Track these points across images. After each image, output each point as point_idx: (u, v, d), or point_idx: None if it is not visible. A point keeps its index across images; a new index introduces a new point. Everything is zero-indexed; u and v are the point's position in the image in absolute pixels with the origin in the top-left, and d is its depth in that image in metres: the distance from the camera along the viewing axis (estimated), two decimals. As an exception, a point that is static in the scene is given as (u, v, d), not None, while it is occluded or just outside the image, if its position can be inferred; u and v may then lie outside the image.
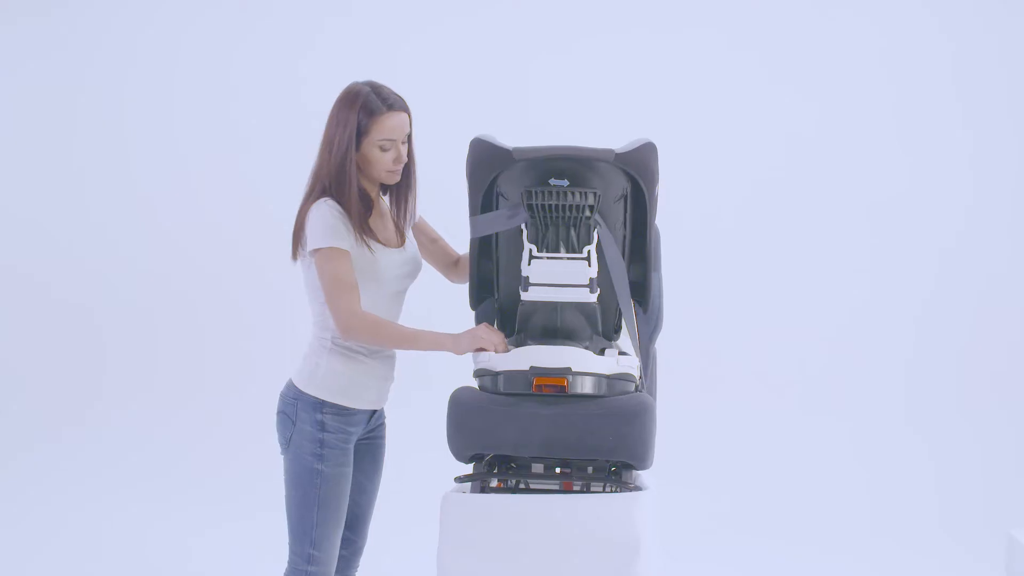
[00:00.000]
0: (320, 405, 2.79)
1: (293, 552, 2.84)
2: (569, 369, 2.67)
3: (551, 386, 2.68)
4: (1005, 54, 5.59)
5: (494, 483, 2.84)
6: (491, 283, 2.86)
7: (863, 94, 5.65)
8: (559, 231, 2.70)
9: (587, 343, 2.79)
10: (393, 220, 2.90)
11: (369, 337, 2.74)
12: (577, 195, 2.67)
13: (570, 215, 2.68)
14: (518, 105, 5.61)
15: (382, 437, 3.01)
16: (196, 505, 5.16)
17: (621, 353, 2.81)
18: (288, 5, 5.85)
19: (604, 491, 2.79)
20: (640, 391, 2.85)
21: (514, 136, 5.46)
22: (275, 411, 2.89)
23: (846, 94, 5.67)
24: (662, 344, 3.10)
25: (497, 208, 2.75)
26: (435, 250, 3.08)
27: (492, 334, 2.74)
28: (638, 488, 2.76)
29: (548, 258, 2.71)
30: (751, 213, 5.63)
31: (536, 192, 2.65)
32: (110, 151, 5.93)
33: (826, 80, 5.68)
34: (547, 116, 5.49)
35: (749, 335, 5.59)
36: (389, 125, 2.73)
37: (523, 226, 2.69)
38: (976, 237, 5.60)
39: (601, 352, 2.79)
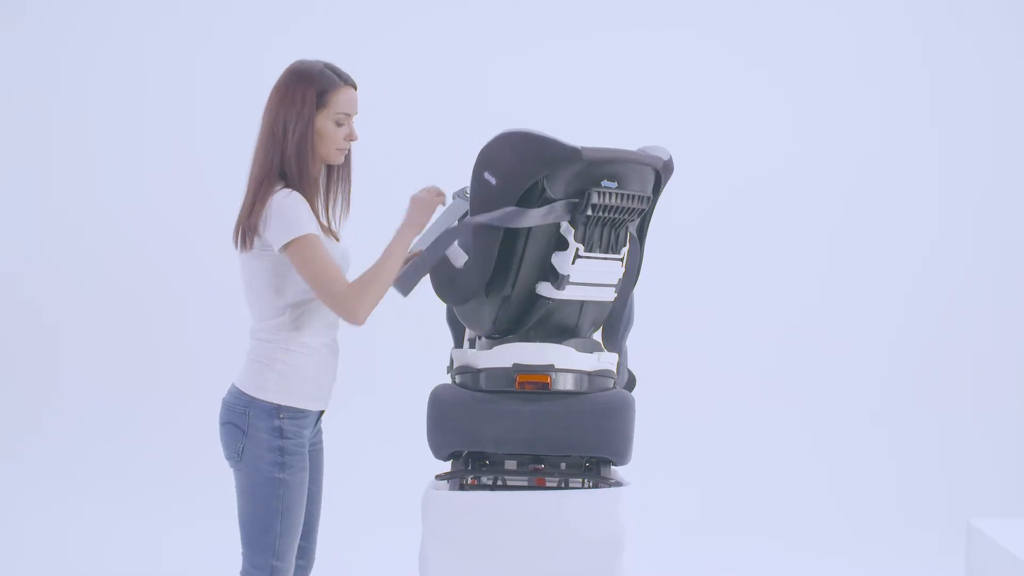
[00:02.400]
0: (276, 411, 2.61)
1: (253, 565, 2.66)
2: (552, 366, 2.69)
3: (534, 383, 2.70)
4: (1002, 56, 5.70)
5: (467, 480, 2.83)
6: (505, 277, 2.74)
7: (841, 90, 5.70)
8: (603, 232, 2.71)
9: (584, 340, 2.82)
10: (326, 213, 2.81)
11: (367, 297, 2.58)
12: (635, 199, 2.68)
13: (619, 218, 2.69)
14: (478, 103, 5.59)
15: (322, 440, 2.83)
16: (162, 506, 5.13)
17: (601, 350, 2.84)
18: (248, 6, 5.83)
19: (584, 487, 2.80)
20: (615, 386, 2.88)
21: (479, 132, 5.51)
22: (219, 422, 2.68)
23: (823, 88, 5.71)
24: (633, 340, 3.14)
25: (538, 203, 2.65)
26: None
27: (431, 191, 2.70)
28: (619, 484, 2.78)
29: (592, 258, 2.70)
30: (725, 211, 5.65)
31: (598, 193, 2.62)
32: (75, 148, 5.83)
33: (801, 74, 5.72)
34: (510, 113, 5.48)
35: (717, 330, 5.61)
36: (346, 99, 2.65)
37: (567, 224, 2.66)
38: (945, 239, 5.66)
39: (588, 349, 2.81)
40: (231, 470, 2.68)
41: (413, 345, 5.08)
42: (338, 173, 2.76)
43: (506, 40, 5.73)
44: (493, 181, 2.64)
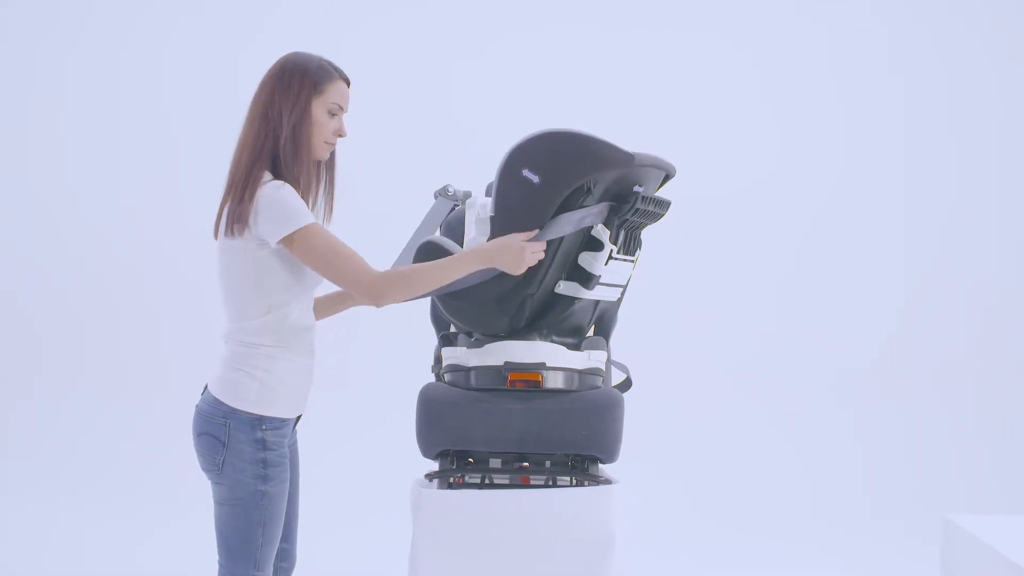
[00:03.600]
0: (259, 422, 2.51)
1: (231, 575, 2.58)
2: (543, 364, 2.71)
3: (525, 381, 2.71)
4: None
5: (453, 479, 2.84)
6: (533, 277, 2.72)
7: (825, 93, 5.75)
8: (629, 235, 2.75)
9: (575, 339, 2.85)
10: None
11: (404, 292, 2.51)
12: (663, 204, 2.73)
13: (646, 221, 2.74)
14: (448, 103, 5.63)
15: (297, 440, 2.73)
16: (137, 506, 5.13)
17: (592, 348, 2.86)
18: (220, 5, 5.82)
19: (573, 485, 2.82)
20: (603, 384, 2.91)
21: (447, 132, 5.53)
22: (193, 431, 2.57)
23: (806, 90, 5.76)
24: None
25: (580, 204, 2.66)
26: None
27: (533, 249, 2.61)
28: (608, 481, 2.80)
29: (619, 260, 2.74)
30: (707, 212, 5.67)
31: (643, 198, 2.65)
32: (43, 146, 5.80)
33: (784, 75, 5.77)
34: (489, 114, 5.54)
35: (696, 329, 5.64)
36: (341, 91, 2.61)
37: (602, 225, 2.68)
38: (920, 233, 5.72)
39: (578, 347, 2.83)
40: (208, 481, 2.58)
41: (386, 342, 5.10)
42: (321, 174, 2.68)
43: (482, 39, 5.74)
44: (536, 179, 2.61)
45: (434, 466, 2.99)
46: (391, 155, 5.53)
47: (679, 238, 5.61)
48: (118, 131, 5.73)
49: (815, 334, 5.66)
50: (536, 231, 2.63)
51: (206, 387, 2.58)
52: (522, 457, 2.85)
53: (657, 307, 5.48)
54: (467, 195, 3.16)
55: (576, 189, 2.63)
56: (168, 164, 5.69)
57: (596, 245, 2.70)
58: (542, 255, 2.63)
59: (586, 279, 2.72)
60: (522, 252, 2.60)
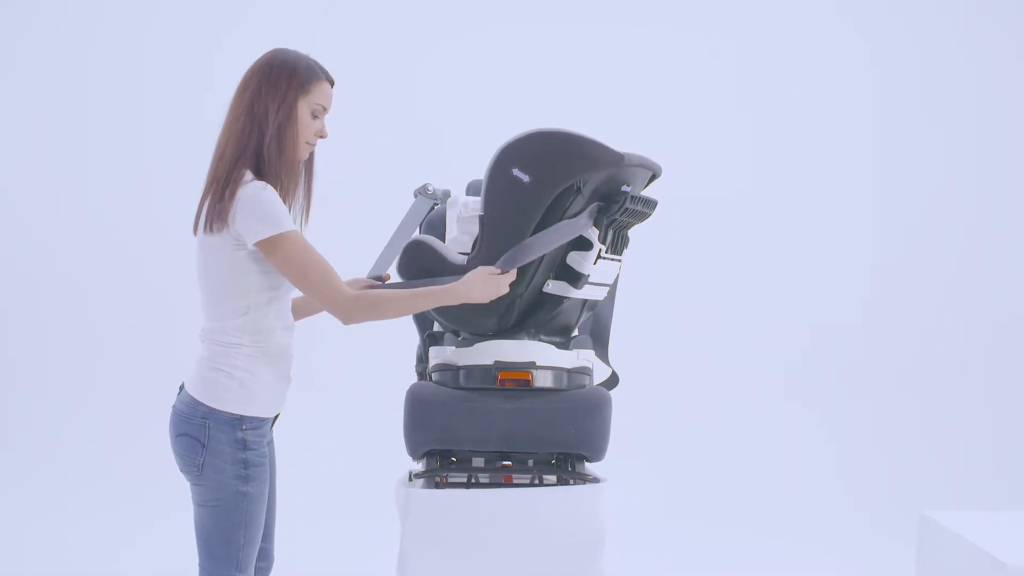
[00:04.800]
0: (239, 422, 2.49)
1: None
2: (533, 363, 2.71)
3: (514, 380, 2.72)
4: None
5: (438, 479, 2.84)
6: (523, 277, 2.74)
7: (790, 93, 5.81)
8: (617, 234, 2.77)
9: (563, 338, 2.86)
10: None
11: (373, 316, 2.52)
12: (651, 204, 2.75)
13: (633, 221, 2.76)
14: (419, 103, 5.65)
15: (273, 439, 2.72)
16: (110, 506, 5.11)
17: (580, 347, 2.88)
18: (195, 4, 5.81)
19: (559, 483, 2.83)
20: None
21: (416, 131, 5.52)
22: (171, 431, 2.54)
23: (773, 88, 5.82)
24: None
25: (570, 203, 2.67)
26: None
27: (500, 281, 2.62)
28: (596, 480, 2.82)
29: (606, 259, 2.75)
30: (674, 210, 5.71)
31: (632, 198, 2.67)
32: (16, 144, 5.77)
33: (755, 74, 5.82)
34: (438, 111, 5.57)
35: (661, 330, 5.69)
36: (326, 92, 2.59)
37: (593, 225, 2.69)
38: (886, 234, 5.81)
39: (567, 346, 2.85)
40: (188, 483, 2.56)
41: (364, 341, 5.09)
42: (306, 170, 2.66)
43: (456, 36, 5.75)
44: (526, 179, 2.63)
45: (414, 465, 3.00)
46: (369, 154, 5.53)
47: (655, 238, 5.67)
48: (92, 129, 5.71)
49: (788, 334, 5.72)
50: (507, 261, 2.63)
51: (182, 386, 2.56)
52: (504, 456, 2.86)
53: (633, 307, 5.51)
54: (447, 194, 3.17)
55: (566, 189, 2.64)
56: (142, 161, 5.67)
57: (585, 244, 2.72)
58: (507, 285, 2.64)
59: (575, 278, 2.73)
60: (493, 284, 2.61)
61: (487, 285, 2.60)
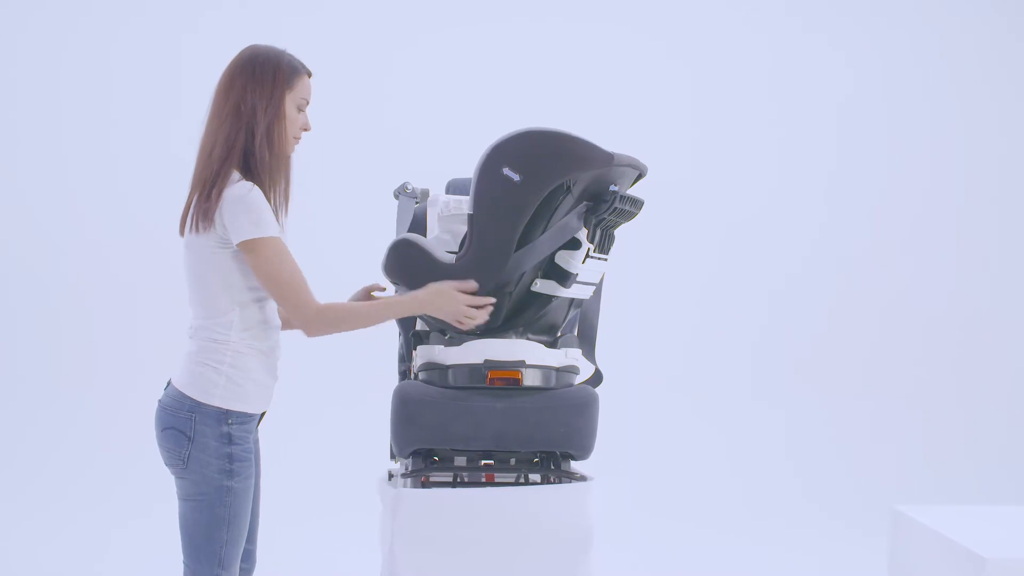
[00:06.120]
0: (225, 416, 2.51)
1: (196, 575, 2.56)
2: (523, 362, 2.72)
3: (504, 379, 2.72)
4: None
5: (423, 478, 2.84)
6: (513, 278, 2.75)
7: (750, 107, 5.86)
8: (604, 234, 2.78)
9: (552, 337, 2.86)
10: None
11: (336, 329, 2.57)
12: (637, 204, 2.76)
13: (620, 220, 2.77)
14: (386, 101, 5.64)
15: (258, 439, 2.73)
16: (89, 506, 5.06)
17: (568, 346, 2.89)
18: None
19: (547, 482, 2.84)
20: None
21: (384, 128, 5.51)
22: (156, 425, 2.56)
23: (731, 93, 5.86)
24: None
25: (559, 202, 2.69)
26: None
27: (481, 300, 2.65)
28: (583, 478, 2.82)
29: (595, 258, 2.77)
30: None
31: (621, 198, 2.68)
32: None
33: (709, 72, 5.87)
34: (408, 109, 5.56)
35: (630, 335, 5.69)
36: (307, 85, 2.62)
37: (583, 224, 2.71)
38: (838, 238, 5.88)
39: (555, 345, 2.86)
40: (172, 477, 2.57)
41: (331, 340, 5.07)
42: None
43: (424, 31, 5.75)
44: (516, 178, 2.64)
45: (392, 464, 3.01)
46: (337, 152, 5.50)
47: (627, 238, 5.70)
48: (61, 125, 5.65)
49: (751, 334, 5.77)
50: (474, 284, 2.66)
51: (169, 382, 2.57)
52: (487, 455, 2.86)
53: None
54: (425, 193, 3.17)
55: (556, 188, 2.66)
56: (112, 161, 5.62)
57: (574, 243, 2.73)
58: (486, 316, 2.65)
59: (563, 277, 2.74)
60: (458, 306, 2.63)
61: (452, 304, 2.63)
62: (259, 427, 2.68)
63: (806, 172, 5.85)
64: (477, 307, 2.66)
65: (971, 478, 5.53)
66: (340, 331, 2.57)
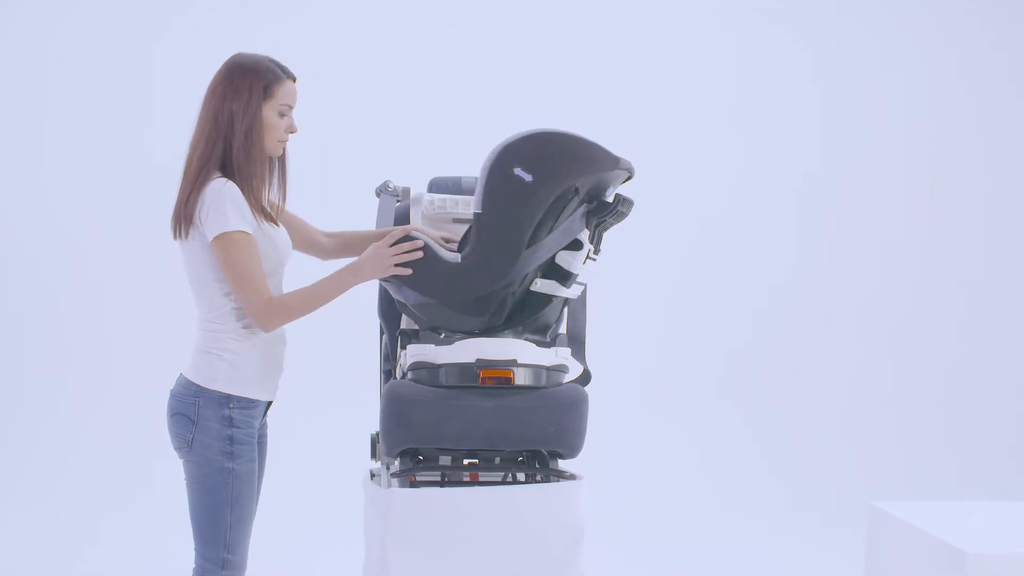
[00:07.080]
0: (227, 400, 2.63)
1: (204, 558, 2.66)
2: (515, 361, 2.73)
3: (495, 378, 2.72)
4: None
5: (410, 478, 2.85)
6: (518, 277, 2.77)
7: (719, 106, 5.88)
8: (599, 235, 2.82)
9: (541, 336, 2.87)
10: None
11: (288, 318, 2.65)
12: (632, 206, 2.80)
13: (615, 222, 2.81)
14: (358, 100, 5.63)
15: (267, 435, 2.84)
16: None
17: (559, 344, 2.90)
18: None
19: (537, 480, 2.85)
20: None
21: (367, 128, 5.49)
22: (167, 413, 2.69)
23: (697, 84, 5.88)
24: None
25: (566, 205, 2.72)
26: (305, 230, 2.99)
27: (404, 246, 2.70)
28: (573, 477, 2.83)
29: (591, 259, 2.80)
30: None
31: (623, 200, 2.74)
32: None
33: (681, 77, 5.89)
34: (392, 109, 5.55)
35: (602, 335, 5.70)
36: (290, 91, 2.70)
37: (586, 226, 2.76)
38: (816, 229, 5.92)
39: (546, 344, 2.86)
40: (180, 462, 2.69)
41: (310, 339, 5.07)
42: (274, 168, 2.78)
43: (406, 31, 5.74)
44: (528, 178, 2.65)
45: (373, 464, 3.02)
46: (320, 150, 5.48)
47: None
48: (42, 132, 5.61)
49: (725, 334, 5.80)
50: (398, 232, 2.73)
51: (180, 374, 2.71)
52: (472, 454, 2.87)
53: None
54: (406, 191, 3.18)
55: (565, 189, 2.69)
56: (89, 162, 5.59)
57: (575, 244, 2.77)
58: (418, 253, 2.70)
59: (564, 277, 2.78)
60: (384, 259, 2.71)
61: (378, 259, 2.71)
62: (266, 418, 2.79)
63: (780, 173, 5.89)
64: (403, 254, 2.72)
65: (947, 475, 5.59)
66: (293, 319, 2.67)
